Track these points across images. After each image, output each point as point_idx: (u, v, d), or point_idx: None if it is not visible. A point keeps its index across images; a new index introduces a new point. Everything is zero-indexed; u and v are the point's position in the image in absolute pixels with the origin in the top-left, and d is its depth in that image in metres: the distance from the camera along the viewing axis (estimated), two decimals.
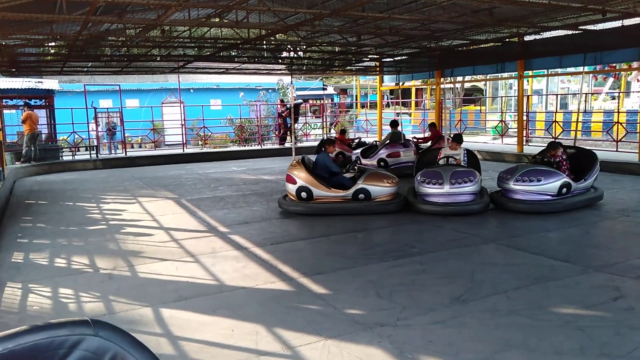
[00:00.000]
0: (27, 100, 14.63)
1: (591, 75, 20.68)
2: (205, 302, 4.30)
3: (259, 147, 18.55)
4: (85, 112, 16.06)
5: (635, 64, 15.20)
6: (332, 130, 21.90)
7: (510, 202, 7.53)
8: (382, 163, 11.62)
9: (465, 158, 8.29)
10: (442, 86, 16.54)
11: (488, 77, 22.08)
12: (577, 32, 10.56)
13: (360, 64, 16.94)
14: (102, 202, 9.42)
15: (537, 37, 12.00)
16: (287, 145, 18.04)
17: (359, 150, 12.55)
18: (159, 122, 19.91)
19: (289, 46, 13.51)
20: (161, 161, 15.78)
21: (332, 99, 29.96)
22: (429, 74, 17.42)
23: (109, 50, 12.34)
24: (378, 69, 17.66)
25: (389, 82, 19.68)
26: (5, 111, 15.45)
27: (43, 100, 15.59)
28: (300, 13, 8.18)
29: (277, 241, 6.28)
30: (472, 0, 7.57)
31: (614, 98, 21.82)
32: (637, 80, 20.31)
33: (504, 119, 18.08)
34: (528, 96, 17.97)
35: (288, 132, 18.96)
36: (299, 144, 18.67)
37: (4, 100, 14.73)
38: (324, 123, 20.93)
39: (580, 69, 12.37)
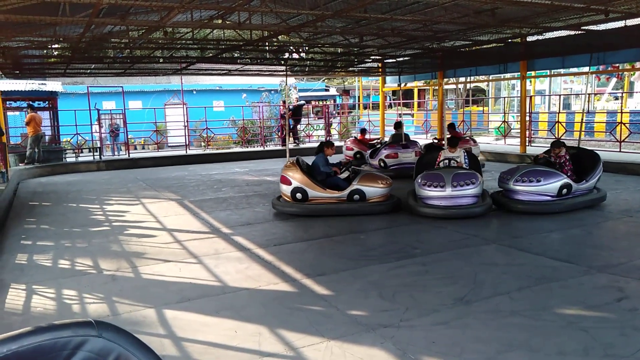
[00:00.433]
0: (30, 102, 14.69)
1: (594, 75, 20.64)
2: (209, 303, 4.31)
3: (261, 149, 18.56)
4: (88, 113, 16.10)
5: (638, 64, 15.16)
6: (332, 131, 21.82)
7: (510, 202, 7.55)
8: (382, 164, 11.69)
9: (466, 160, 8.22)
10: (444, 87, 16.53)
11: (491, 78, 22.06)
12: (579, 32, 10.54)
13: (362, 65, 16.93)
14: (105, 203, 9.44)
15: (540, 37, 11.97)
16: (289, 146, 18.04)
17: (368, 152, 12.59)
18: (161, 124, 19.95)
19: (291, 47, 13.52)
20: (164, 162, 15.81)
21: (335, 100, 29.98)
22: (432, 75, 17.41)
23: (112, 52, 12.38)
24: (380, 70, 17.65)
25: (392, 83, 19.67)
26: (9, 113, 15.50)
27: (46, 102, 15.65)
28: (302, 14, 8.18)
29: (280, 242, 6.28)
30: (475, 1, 7.56)
31: (617, 98, 21.77)
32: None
33: (506, 120, 18.05)
34: (531, 97, 17.95)
35: (291, 134, 18.99)
36: (302, 145, 18.69)
37: (7, 102, 14.79)
38: (326, 124, 20.93)
39: (583, 69, 12.36)
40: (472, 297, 4.24)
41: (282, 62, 14.95)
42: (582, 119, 9.92)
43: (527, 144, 14.58)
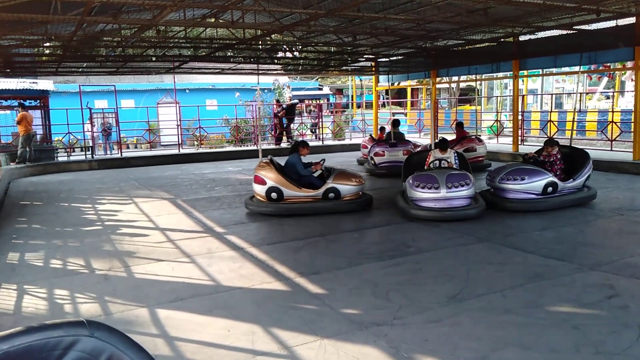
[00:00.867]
0: (21, 101, 14.56)
1: (586, 74, 20.76)
2: (202, 303, 4.29)
3: (255, 148, 18.53)
4: (80, 112, 15.99)
5: (629, 64, 15.26)
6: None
7: (497, 200, 7.62)
8: (372, 162, 11.89)
9: (457, 161, 8.08)
10: (437, 86, 16.56)
11: (483, 77, 22.15)
12: (571, 32, 10.62)
13: (356, 64, 16.96)
14: (97, 202, 9.39)
15: (532, 37, 12.05)
16: (283, 145, 18.03)
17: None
18: (154, 123, 19.87)
19: (284, 46, 13.51)
20: (157, 162, 15.74)
21: (328, 99, 29.96)
22: (425, 74, 17.44)
23: (104, 50, 12.31)
24: (374, 69, 17.68)
25: (385, 82, 19.70)
26: (0, 112, 15.38)
27: (38, 101, 15.53)
28: (295, 13, 8.18)
29: (273, 241, 6.27)
30: (467, 0, 7.59)
31: (608, 97, 21.93)
32: (631, 79, 20.37)
33: (499, 119, 18.13)
34: (523, 96, 18.05)
35: (284, 132, 18.96)
36: None
37: None
38: (320, 123, 20.91)
39: (575, 68, 12.44)
40: (466, 295, 4.25)
41: (276, 61, 14.93)
42: (573, 118, 9.97)
43: (519, 142, 14.66)
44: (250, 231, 6.84)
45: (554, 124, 15.55)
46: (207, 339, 3.57)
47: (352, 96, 29.32)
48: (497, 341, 3.41)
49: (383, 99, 26.59)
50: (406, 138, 13.13)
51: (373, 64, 16.96)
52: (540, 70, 17.04)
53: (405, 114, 24.44)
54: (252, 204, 7.89)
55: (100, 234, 6.92)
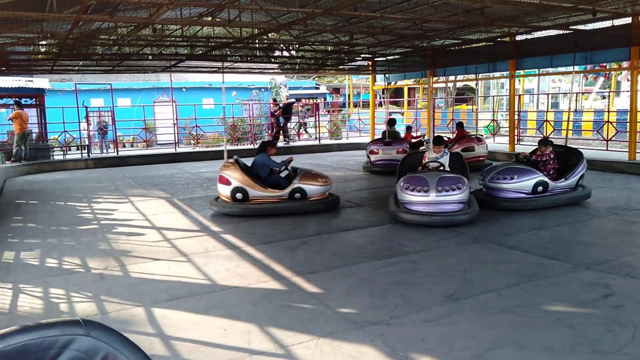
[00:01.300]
0: (17, 99, 14.51)
1: (582, 74, 20.83)
2: (198, 302, 4.29)
3: (251, 147, 18.50)
4: (76, 111, 15.93)
5: (625, 64, 15.31)
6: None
7: (489, 199, 7.66)
8: (368, 160, 12.06)
9: (448, 161, 7.74)
10: (434, 85, 16.58)
11: (480, 77, 22.19)
12: (567, 31, 10.65)
13: (352, 63, 16.96)
14: (93, 201, 9.36)
15: (529, 36, 12.09)
16: (279, 144, 18.01)
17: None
18: (150, 121, 19.81)
19: (281, 45, 13.49)
20: (153, 160, 15.71)
21: (325, 98, 29.96)
22: (421, 73, 17.46)
23: (100, 48, 12.27)
24: (371, 68, 17.68)
25: (382, 81, 19.72)
26: None
27: (33, 99, 15.47)
28: (292, 12, 8.18)
29: (270, 240, 6.27)
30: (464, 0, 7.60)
31: (604, 97, 22.00)
32: (627, 79, 20.46)
33: (495, 118, 18.17)
34: (519, 95, 18.06)
35: (281, 132, 18.94)
36: (292, 144, 18.66)
37: None
38: (317, 122, 20.91)
39: (571, 68, 12.46)
40: (462, 294, 4.26)
41: (273, 59, 14.91)
42: (569, 118, 10.01)
43: (515, 142, 14.70)
44: (247, 230, 6.83)
45: (550, 124, 15.59)
46: (203, 338, 3.57)
47: (349, 95, 29.33)
48: (493, 340, 3.42)
49: (380, 98, 26.62)
50: (402, 137, 13.13)
51: (370, 63, 16.97)
52: (537, 70, 17.08)
53: (402, 114, 24.46)
54: (217, 205, 7.77)
55: (96, 233, 6.90)
